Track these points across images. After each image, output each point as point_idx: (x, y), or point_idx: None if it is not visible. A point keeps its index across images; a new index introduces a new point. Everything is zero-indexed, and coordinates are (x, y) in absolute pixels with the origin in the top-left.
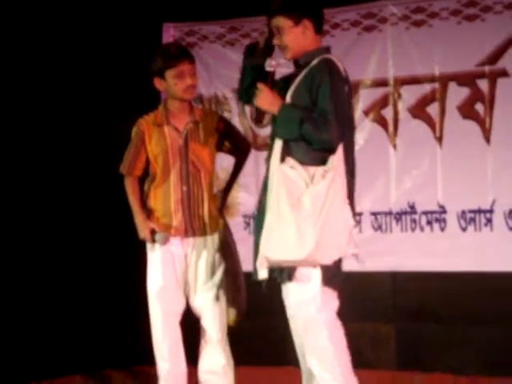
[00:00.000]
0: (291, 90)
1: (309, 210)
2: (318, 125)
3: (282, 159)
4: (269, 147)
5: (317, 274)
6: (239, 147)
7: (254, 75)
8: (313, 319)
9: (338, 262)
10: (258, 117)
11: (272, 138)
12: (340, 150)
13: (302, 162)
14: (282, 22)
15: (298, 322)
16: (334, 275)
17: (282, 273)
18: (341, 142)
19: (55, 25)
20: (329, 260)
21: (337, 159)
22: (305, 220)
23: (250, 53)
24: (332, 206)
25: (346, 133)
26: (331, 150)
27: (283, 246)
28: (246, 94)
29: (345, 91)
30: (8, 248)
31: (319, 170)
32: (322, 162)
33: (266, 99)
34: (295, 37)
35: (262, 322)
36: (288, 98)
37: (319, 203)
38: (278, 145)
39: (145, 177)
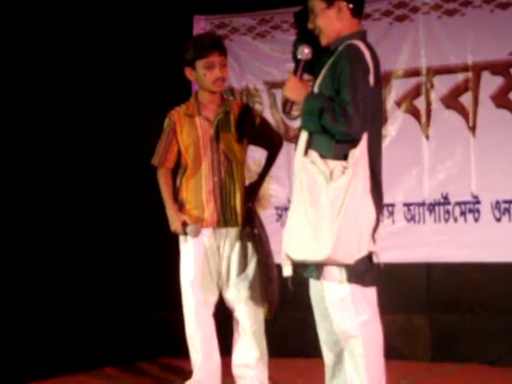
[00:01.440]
0: (319, 79)
1: (327, 208)
2: (336, 116)
3: (306, 152)
4: (296, 139)
5: (342, 274)
6: (271, 141)
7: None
8: (345, 325)
9: (367, 259)
10: (286, 107)
11: (300, 129)
12: (363, 143)
13: (324, 156)
14: (315, 3)
15: (333, 322)
16: (362, 273)
17: (308, 269)
18: (363, 133)
19: (88, 17)
20: (350, 259)
21: (358, 153)
22: (323, 219)
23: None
24: (352, 202)
25: (369, 125)
26: (353, 142)
27: (302, 245)
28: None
29: (367, 80)
30: (39, 244)
31: (338, 165)
32: (345, 156)
33: (293, 89)
34: (329, 20)
35: (288, 314)
36: (315, 88)
37: (338, 201)
38: (303, 137)
39: (178, 170)
